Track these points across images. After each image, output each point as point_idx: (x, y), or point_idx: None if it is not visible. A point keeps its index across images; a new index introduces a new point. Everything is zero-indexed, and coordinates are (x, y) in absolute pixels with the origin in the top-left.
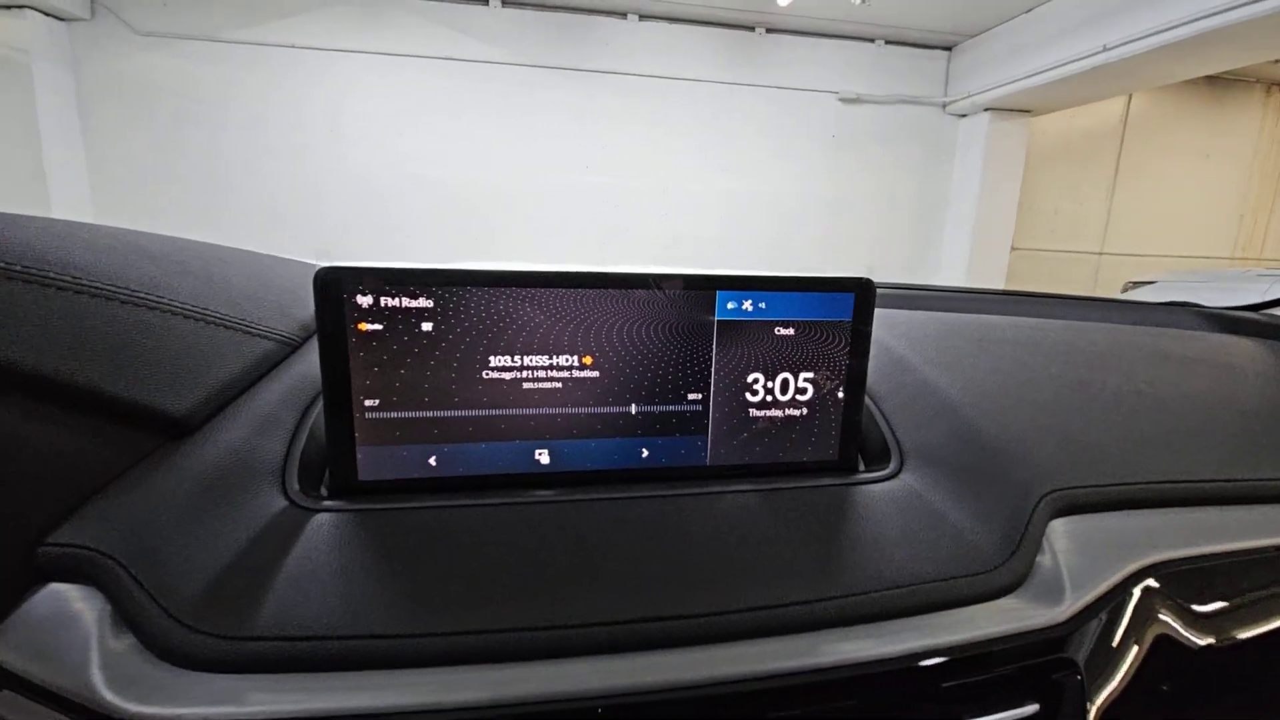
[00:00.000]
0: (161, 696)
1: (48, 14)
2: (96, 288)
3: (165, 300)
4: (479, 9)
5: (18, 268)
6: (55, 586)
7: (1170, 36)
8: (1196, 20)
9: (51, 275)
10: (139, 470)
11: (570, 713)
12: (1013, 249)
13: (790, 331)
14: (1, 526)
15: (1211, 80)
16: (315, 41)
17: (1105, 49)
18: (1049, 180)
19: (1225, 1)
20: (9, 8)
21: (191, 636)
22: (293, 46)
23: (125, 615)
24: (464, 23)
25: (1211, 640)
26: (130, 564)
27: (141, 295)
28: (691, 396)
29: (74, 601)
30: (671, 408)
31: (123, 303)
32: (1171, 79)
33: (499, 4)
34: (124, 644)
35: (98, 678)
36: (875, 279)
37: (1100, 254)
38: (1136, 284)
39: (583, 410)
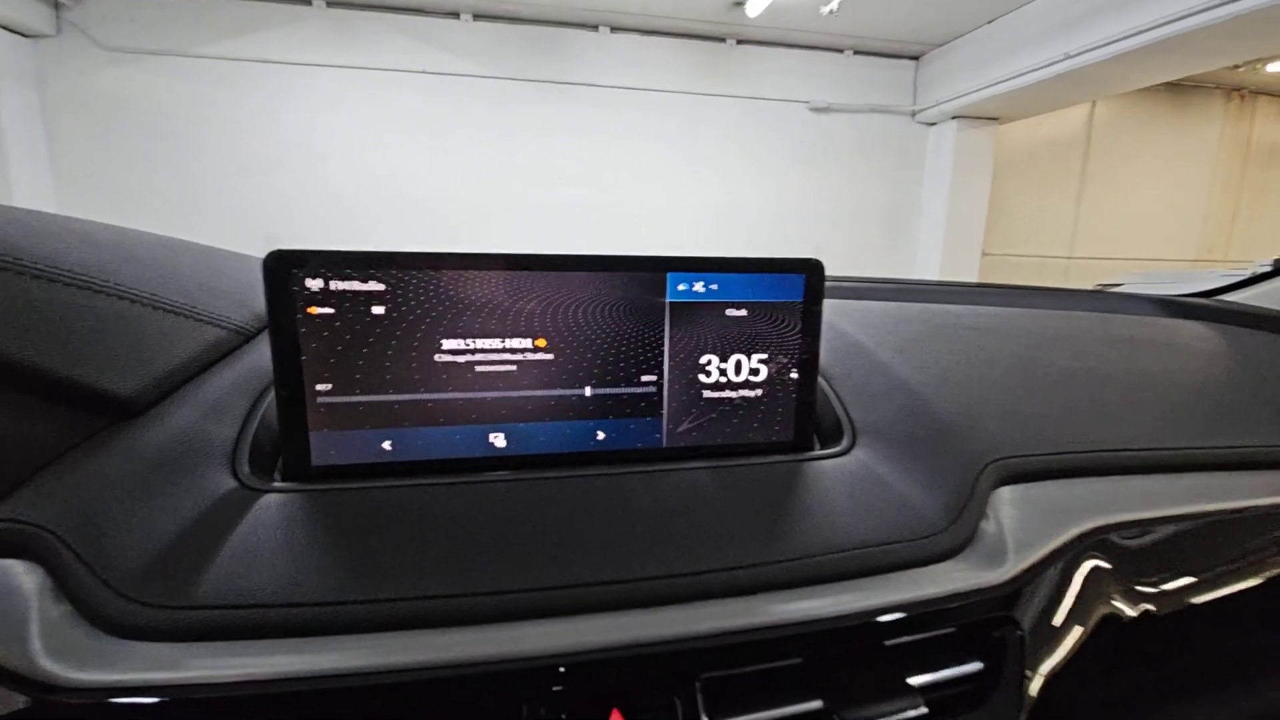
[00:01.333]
0: (99, 664)
1: (11, 30)
2: (39, 270)
3: (110, 284)
4: (451, 22)
5: None
6: None
7: (1130, 44)
8: (1155, 27)
9: None
10: (82, 450)
11: (509, 673)
12: (984, 254)
13: (742, 313)
14: None
15: (1172, 87)
16: (288, 56)
17: (1067, 56)
18: (1018, 186)
19: (1182, 9)
20: None
21: (130, 607)
22: (265, 61)
23: (64, 587)
24: (436, 36)
25: (1155, 608)
26: (69, 538)
27: (85, 279)
28: (645, 378)
29: (13, 576)
30: (625, 390)
31: (66, 285)
32: (1133, 85)
33: (470, 17)
34: (63, 615)
35: (35, 647)
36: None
37: (1069, 258)
38: (1105, 286)
39: (537, 393)
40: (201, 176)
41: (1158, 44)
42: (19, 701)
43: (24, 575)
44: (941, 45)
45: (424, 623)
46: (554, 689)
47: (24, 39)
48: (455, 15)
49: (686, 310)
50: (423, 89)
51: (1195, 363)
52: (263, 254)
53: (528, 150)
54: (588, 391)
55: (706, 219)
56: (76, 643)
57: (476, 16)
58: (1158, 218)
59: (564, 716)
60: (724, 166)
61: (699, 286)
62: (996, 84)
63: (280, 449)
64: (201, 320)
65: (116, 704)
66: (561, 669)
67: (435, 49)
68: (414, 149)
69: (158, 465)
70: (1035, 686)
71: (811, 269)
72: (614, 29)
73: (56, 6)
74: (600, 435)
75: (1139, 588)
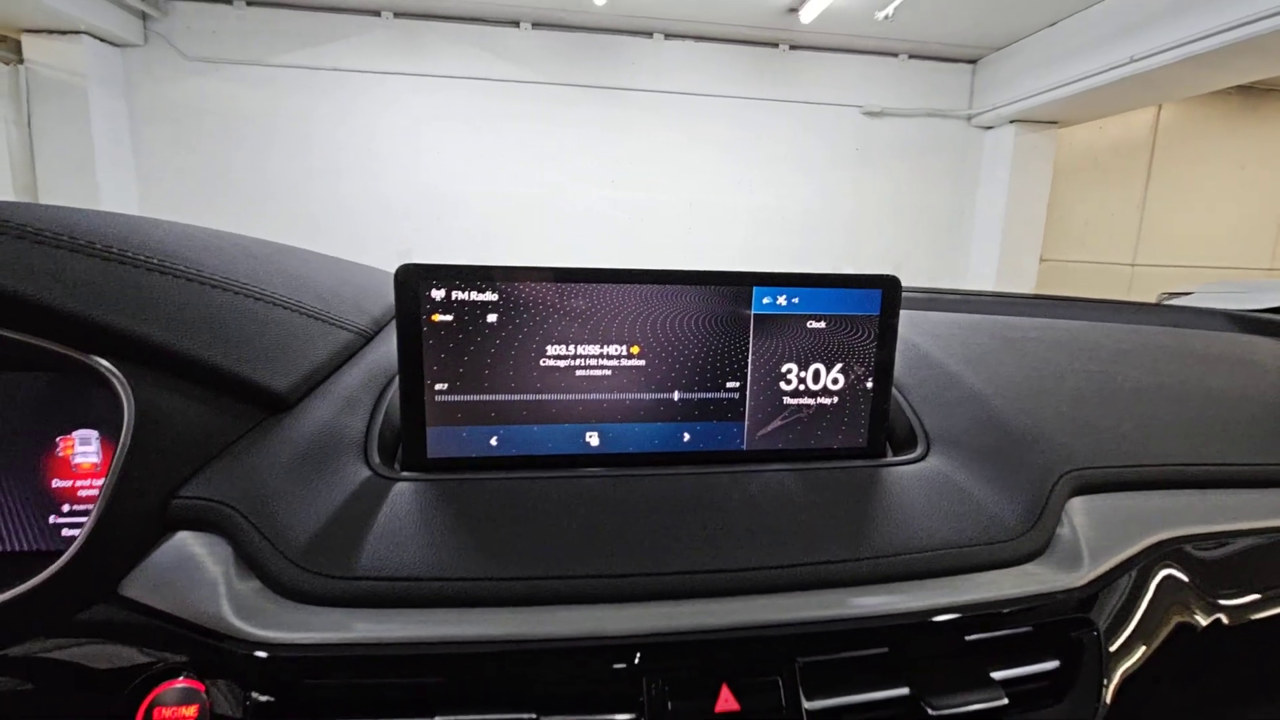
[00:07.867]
0: (282, 624)
1: (102, 40)
2: (215, 280)
3: (268, 293)
4: (510, 30)
5: (155, 261)
6: (184, 534)
7: (1198, 48)
8: (1224, 31)
9: (181, 269)
10: (249, 438)
11: (633, 648)
12: (1041, 260)
13: (821, 325)
14: (139, 482)
15: (1243, 90)
16: (356, 65)
17: (1132, 60)
18: (1078, 191)
19: (1253, 12)
20: (65, 33)
21: (305, 575)
22: (335, 70)
23: (247, 558)
24: (496, 44)
25: (1227, 618)
26: (250, 514)
27: (249, 288)
28: (730, 385)
29: (201, 546)
30: (711, 395)
31: (235, 293)
32: (1201, 89)
33: (529, 26)
34: (246, 582)
35: (226, 609)
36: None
37: (1133, 265)
38: (1172, 295)
39: (629, 396)
40: (271, 180)
41: (1229, 47)
42: (218, 657)
43: (210, 546)
44: (1000, 49)
45: (552, 600)
46: (671, 665)
47: (114, 48)
48: (515, 24)
49: (770, 322)
50: (482, 95)
51: (1271, 379)
52: (340, 256)
53: (582, 153)
54: (676, 396)
55: (756, 223)
56: (260, 606)
57: (535, 25)
58: (1228, 225)
59: (681, 689)
60: (774, 170)
61: (782, 300)
62: (1058, 88)
63: (401, 441)
64: (334, 324)
65: (299, 659)
66: (678, 647)
67: (495, 56)
68: (471, 152)
69: (307, 454)
70: (1111, 687)
71: (889, 285)
72: (668, 36)
73: (144, 18)
74: (686, 437)
75: (1214, 598)
